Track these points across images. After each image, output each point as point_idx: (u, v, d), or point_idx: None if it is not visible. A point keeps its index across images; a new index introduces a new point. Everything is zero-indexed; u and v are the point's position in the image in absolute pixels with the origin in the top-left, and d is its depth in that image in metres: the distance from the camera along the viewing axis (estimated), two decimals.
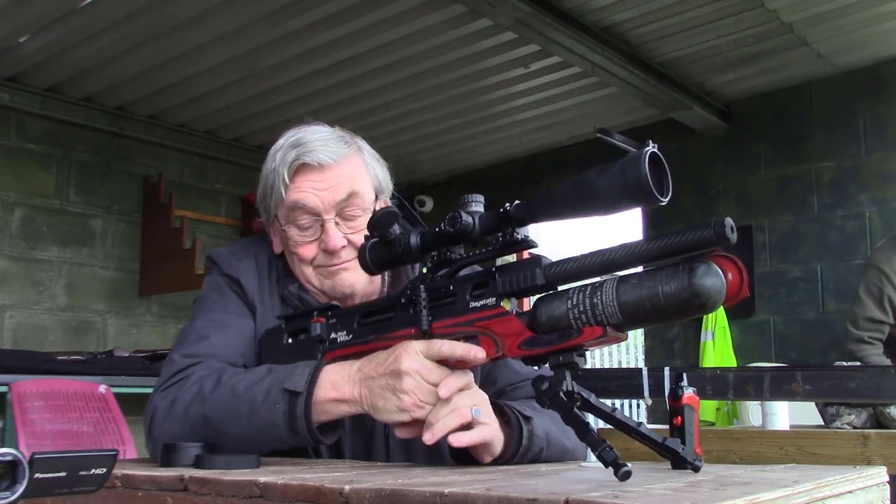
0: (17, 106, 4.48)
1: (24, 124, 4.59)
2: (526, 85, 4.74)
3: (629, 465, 0.84)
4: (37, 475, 0.67)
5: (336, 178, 1.36)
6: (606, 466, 0.86)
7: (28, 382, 3.73)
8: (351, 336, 1.20)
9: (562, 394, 0.94)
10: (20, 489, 0.66)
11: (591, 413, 0.94)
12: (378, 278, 1.43)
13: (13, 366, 3.79)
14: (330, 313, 1.24)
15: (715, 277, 0.86)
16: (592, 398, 0.94)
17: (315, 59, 4.23)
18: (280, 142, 1.41)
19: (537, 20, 3.75)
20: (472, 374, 1.13)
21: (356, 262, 1.27)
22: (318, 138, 1.38)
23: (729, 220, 0.83)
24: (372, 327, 1.18)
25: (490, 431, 1.11)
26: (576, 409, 0.93)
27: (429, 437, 1.06)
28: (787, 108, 5.05)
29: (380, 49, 4.14)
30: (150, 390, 1.34)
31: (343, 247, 1.36)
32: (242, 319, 1.37)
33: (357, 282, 1.38)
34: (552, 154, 5.90)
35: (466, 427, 1.08)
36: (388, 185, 1.46)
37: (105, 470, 0.72)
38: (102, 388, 3.92)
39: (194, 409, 1.20)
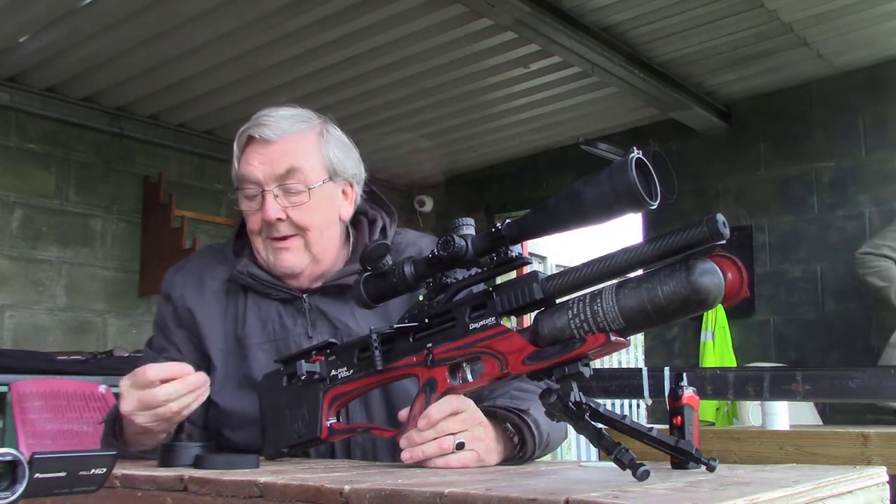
0: (17, 106, 4.47)
1: (24, 124, 4.58)
2: (526, 85, 4.73)
3: (646, 465, 0.84)
4: (37, 475, 0.67)
5: (278, 153, 1.41)
6: (624, 469, 0.85)
7: (28, 382, 3.73)
8: (351, 371, 1.18)
9: (570, 405, 0.93)
10: (20, 489, 0.66)
11: (601, 422, 0.94)
12: (327, 254, 1.45)
13: (13, 366, 3.78)
14: (328, 350, 1.22)
15: (712, 273, 0.86)
16: (601, 408, 0.94)
17: (315, 59, 4.22)
18: None
19: (537, 20, 3.75)
20: (467, 400, 1.12)
21: (299, 243, 1.42)
22: (274, 115, 1.44)
23: (720, 216, 0.84)
24: (372, 360, 1.15)
25: (472, 459, 1.10)
26: (586, 417, 0.93)
27: (406, 457, 1.09)
28: (787, 108, 5.05)
29: (380, 49, 4.14)
30: None
31: (281, 220, 1.40)
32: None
33: (296, 265, 1.43)
34: (552, 154, 5.89)
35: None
36: (349, 170, 1.49)
37: (105, 470, 0.72)
38: (102, 388, 3.91)
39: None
